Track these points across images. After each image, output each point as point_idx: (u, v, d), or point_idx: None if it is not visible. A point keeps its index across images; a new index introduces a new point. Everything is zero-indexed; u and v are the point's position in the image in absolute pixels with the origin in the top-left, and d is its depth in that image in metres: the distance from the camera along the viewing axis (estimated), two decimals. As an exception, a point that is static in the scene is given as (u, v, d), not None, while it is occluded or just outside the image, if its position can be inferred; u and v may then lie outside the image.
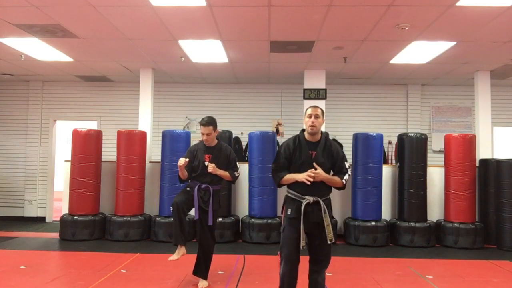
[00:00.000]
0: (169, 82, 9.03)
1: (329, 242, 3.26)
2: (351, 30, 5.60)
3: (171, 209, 4.35)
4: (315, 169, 3.28)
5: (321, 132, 3.46)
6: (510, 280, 4.92)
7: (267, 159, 6.82)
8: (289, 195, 3.40)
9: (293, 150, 3.39)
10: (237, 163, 4.50)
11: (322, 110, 3.43)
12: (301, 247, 3.26)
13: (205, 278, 4.44)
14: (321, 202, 3.28)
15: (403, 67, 7.58)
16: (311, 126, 3.35)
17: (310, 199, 3.27)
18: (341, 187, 3.44)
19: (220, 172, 4.34)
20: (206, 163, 4.30)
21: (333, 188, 3.47)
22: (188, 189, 4.40)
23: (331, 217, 3.38)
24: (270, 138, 6.98)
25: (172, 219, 4.48)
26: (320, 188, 3.32)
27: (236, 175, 4.46)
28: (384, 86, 9.05)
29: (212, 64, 7.49)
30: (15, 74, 8.55)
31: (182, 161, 4.19)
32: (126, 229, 6.79)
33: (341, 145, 8.74)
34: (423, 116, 9.05)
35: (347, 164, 3.46)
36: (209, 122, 4.30)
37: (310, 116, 3.36)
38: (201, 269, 4.44)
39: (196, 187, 4.31)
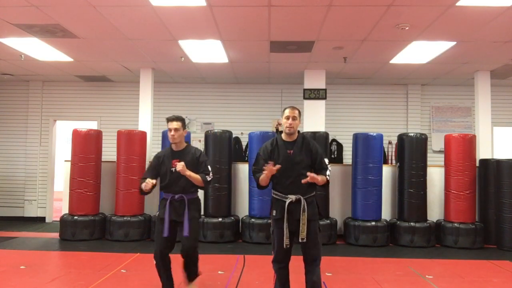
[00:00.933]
0: (169, 82, 9.03)
1: (300, 240, 3.35)
2: (351, 30, 5.60)
3: (154, 261, 3.90)
4: (295, 172, 3.39)
5: (298, 131, 3.59)
6: (510, 280, 4.92)
7: (267, 159, 6.80)
8: (274, 196, 3.52)
9: (271, 150, 3.52)
10: (209, 166, 4.01)
11: (299, 111, 3.55)
12: (284, 246, 3.37)
13: (191, 280, 4.07)
14: (302, 200, 3.36)
15: (403, 67, 7.58)
16: (289, 127, 3.48)
17: (293, 197, 3.37)
18: (327, 184, 3.50)
19: (190, 173, 3.82)
20: (173, 169, 3.84)
21: (331, 188, 3.53)
22: (162, 217, 3.91)
23: (317, 215, 3.48)
24: (270, 138, 6.94)
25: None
26: (303, 187, 3.40)
27: (208, 179, 3.94)
28: (384, 86, 9.05)
29: (212, 64, 7.49)
30: (15, 74, 8.55)
31: (149, 185, 3.70)
32: (126, 229, 6.79)
33: (341, 146, 8.78)
34: (423, 116, 9.05)
35: (326, 160, 3.55)
36: (177, 117, 4.03)
37: (288, 118, 3.48)
38: (188, 274, 4.06)
39: (168, 202, 3.87)
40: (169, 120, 4.03)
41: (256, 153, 3.65)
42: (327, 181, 3.49)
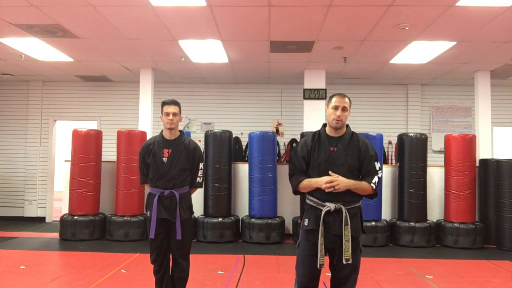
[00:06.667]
0: (169, 82, 9.03)
1: (344, 262, 2.67)
2: (351, 30, 5.60)
3: (155, 276, 3.56)
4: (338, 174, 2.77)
5: (347, 126, 2.91)
6: (510, 280, 4.93)
7: (267, 159, 6.82)
8: (308, 201, 2.85)
9: (311, 147, 2.85)
10: (201, 164, 3.63)
11: (350, 101, 2.87)
12: (318, 266, 2.71)
13: None
14: (344, 211, 2.71)
15: (403, 67, 7.58)
16: (337, 119, 2.79)
17: (332, 206, 2.71)
18: (372, 194, 2.83)
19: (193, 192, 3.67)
20: (164, 159, 3.47)
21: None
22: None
23: (360, 231, 2.81)
24: (270, 138, 6.97)
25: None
26: (345, 194, 2.75)
27: (199, 181, 3.63)
28: (384, 86, 9.05)
29: (212, 64, 7.49)
30: (15, 74, 8.55)
31: None
32: (126, 229, 6.79)
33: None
34: (423, 116, 9.04)
35: (377, 165, 2.85)
36: (175, 101, 3.56)
37: (336, 108, 2.80)
38: None
39: (156, 198, 3.44)
40: (166, 103, 3.53)
41: (292, 149, 3.12)
42: (374, 191, 2.80)
